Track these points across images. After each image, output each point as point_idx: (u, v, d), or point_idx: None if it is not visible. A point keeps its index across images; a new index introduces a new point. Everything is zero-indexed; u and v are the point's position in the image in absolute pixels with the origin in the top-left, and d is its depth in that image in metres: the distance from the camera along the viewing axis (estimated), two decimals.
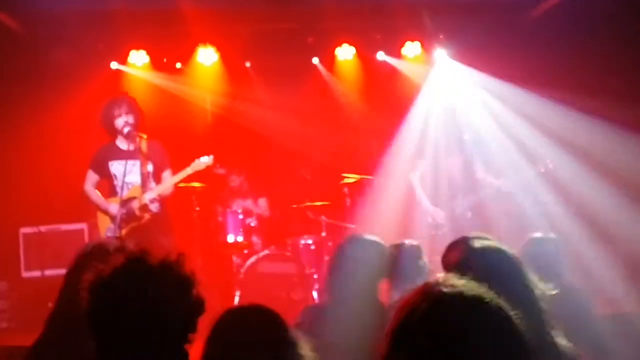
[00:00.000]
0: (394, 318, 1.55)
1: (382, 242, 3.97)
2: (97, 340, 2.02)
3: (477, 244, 2.64)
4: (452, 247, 2.73)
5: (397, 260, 3.95)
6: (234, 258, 8.08)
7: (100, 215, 6.84)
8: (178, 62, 9.62)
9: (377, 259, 3.82)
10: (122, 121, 6.61)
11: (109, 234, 6.65)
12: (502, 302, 1.54)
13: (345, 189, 8.35)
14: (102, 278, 2.04)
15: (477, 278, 2.42)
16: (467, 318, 1.47)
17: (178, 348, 2.05)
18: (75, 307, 2.20)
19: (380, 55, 9.69)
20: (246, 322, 2.40)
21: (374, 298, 3.80)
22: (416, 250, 4.15)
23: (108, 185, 6.81)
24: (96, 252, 3.10)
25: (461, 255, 2.61)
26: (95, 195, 6.82)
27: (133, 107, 6.73)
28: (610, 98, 8.24)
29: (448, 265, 2.64)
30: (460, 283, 1.56)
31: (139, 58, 9.41)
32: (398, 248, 4.10)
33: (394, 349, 1.51)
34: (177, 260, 2.10)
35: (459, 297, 1.52)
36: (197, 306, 2.09)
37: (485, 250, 2.61)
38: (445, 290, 1.54)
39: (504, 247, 2.68)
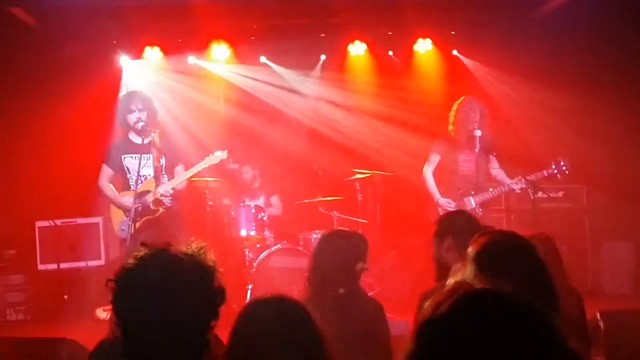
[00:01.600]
0: (417, 318, 1.58)
1: (360, 234, 4.21)
2: (122, 330, 2.07)
3: (500, 237, 2.70)
4: (481, 234, 2.75)
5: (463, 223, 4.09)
6: (247, 252, 8.13)
7: (113, 208, 6.91)
8: (191, 57, 9.66)
9: (354, 251, 3.99)
10: (135, 117, 6.67)
11: (123, 227, 6.73)
12: (529, 301, 1.54)
13: (357, 184, 8.40)
14: (126, 269, 2.10)
15: (499, 272, 2.47)
16: (490, 317, 1.49)
17: (201, 336, 2.10)
18: None
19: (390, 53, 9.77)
20: (271, 314, 2.42)
21: (356, 288, 3.97)
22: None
23: (121, 179, 6.89)
24: None
25: (483, 249, 2.63)
26: (109, 189, 6.89)
27: (147, 103, 6.78)
28: (616, 96, 8.29)
29: (473, 255, 2.65)
30: (481, 281, 1.59)
31: (153, 54, 9.48)
32: (462, 214, 4.37)
33: (418, 350, 1.52)
34: (199, 250, 2.15)
35: (482, 297, 1.56)
36: (219, 295, 2.15)
37: (508, 244, 2.66)
38: (468, 290, 1.57)
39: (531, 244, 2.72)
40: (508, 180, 7.13)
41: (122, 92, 7.27)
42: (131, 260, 2.11)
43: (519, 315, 1.50)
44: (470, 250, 2.65)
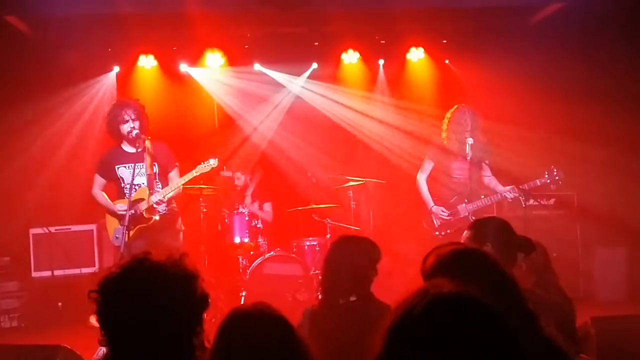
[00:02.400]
0: (391, 317, 1.62)
1: (371, 240, 4.10)
2: (108, 338, 2.10)
3: (456, 248, 2.70)
4: (429, 254, 2.74)
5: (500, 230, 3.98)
6: (240, 259, 8.16)
7: (108, 217, 6.92)
8: (185, 65, 9.70)
9: (363, 256, 3.94)
10: (129, 127, 6.67)
11: (117, 235, 6.74)
12: (494, 304, 1.59)
13: (350, 192, 8.45)
14: (110, 278, 2.13)
15: (461, 280, 2.50)
16: (463, 317, 1.53)
17: (187, 342, 2.13)
18: None
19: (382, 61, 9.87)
20: (252, 326, 2.45)
21: (368, 295, 3.92)
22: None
23: (115, 188, 6.89)
24: None
25: (436, 262, 2.62)
26: (103, 197, 6.90)
27: (139, 112, 6.77)
28: (609, 103, 8.35)
29: (425, 272, 2.65)
30: (454, 285, 1.63)
31: (147, 62, 9.52)
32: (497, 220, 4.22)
33: (390, 347, 1.57)
34: (180, 258, 2.19)
35: (455, 297, 1.59)
36: (202, 301, 2.18)
37: (465, 253, 2.66)
38: (441, 290, 1.61)
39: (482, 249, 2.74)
40: (501, 188, 7.15)
41: (113, 101, 7.23)
42: (113, 270, 2.14)
43: (488, 315, 1.56)
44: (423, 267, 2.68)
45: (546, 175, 7.00)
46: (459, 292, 1.60)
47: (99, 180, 6.93)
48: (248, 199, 8.64)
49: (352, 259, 3.90)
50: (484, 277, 2.41)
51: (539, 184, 7.02)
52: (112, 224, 6.87)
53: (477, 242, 3.80)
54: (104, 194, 6.92)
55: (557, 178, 6.98)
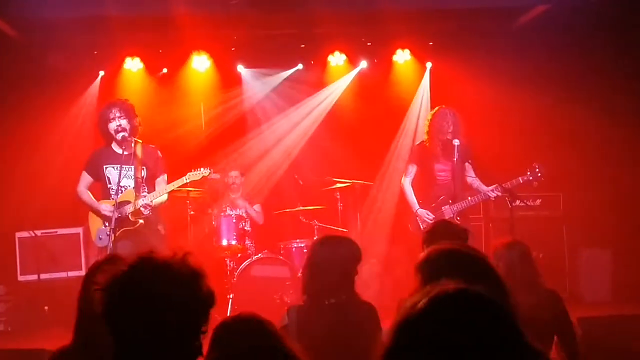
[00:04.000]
0: (397, 316, 1.61)
1: (352, 240, 4.12)
2: (115, 338, 2.08)
3: (443, 247, 2.73)
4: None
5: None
6: (228, 261, 8.16)
7: (91, 216, 6.83)
8: (172, 68, 9.70)
9: (348, 256, 3.94)
10: (115, 125, 6.64)
11: (100, 236, 6.70)
12: (499, 301, 1.60)
13: (337, 194, 8.46)
14: (115, 277, 2.11)
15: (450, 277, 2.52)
16: (468, 313, 1.54)
17: (193, 340, 2.12)
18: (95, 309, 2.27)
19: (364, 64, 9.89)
20: (239, 337, 2.48)
21: (353, 294, 3.93)
22: None
23: (101, 188, 6.84)
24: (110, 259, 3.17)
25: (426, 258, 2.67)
26: (88, 196, 6.83)
27: (128, 112, 6.73)
28: (595, 104, 8.42)
29: (418, 264, 2.70)
30: (458, 284, 1.63)
31: (133, 65, 9.50)
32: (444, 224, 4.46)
33: (396, 346, 1.56)
34: (184, 257, 2.18)
35: (459, 293, 1.59)
36: (208, 298, 2.17)
37: (452, 253, 2.70)
38: (445, 288, 1.61)
39: (470, 249, 2.77)
40: (484, 188, 7.19)
41: (104, 103, 7.21)
42: (119, 270, 2.12)
43: (492, 312, 1.56)
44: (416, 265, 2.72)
45: (528, 173, 7.04)
46: (463, 288, 1.61)
47: (86, 178, 6.87)
48: (240, 201, 8.62)
49: (339, 258, 3.89)
50: (475, 275, 2.45)
51: (521, 181, 7.05)
52: (95, 224, 6.79)
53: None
54: (89, 193, 6.86)
55: (539, 174, 7.01)
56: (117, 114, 6.66)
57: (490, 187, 7.13)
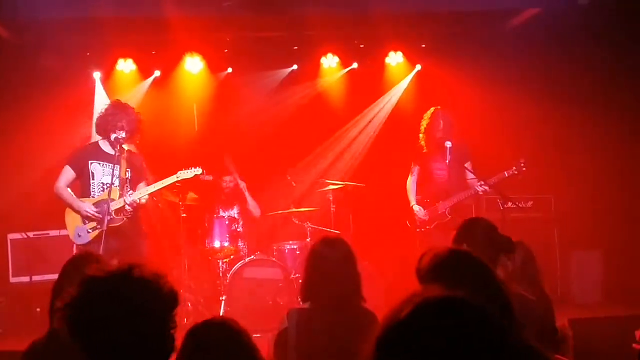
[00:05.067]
0: (381, 323, 1.60)
1: (338, 240, 4.10)
2: (87, 354, 2.08)
3: (447, 250, 2.74)
4: (422, 255, 2.79)
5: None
6: (220, 263, 8.16)
7: (68, 213, 6.74)
8: (165, 70, 9.69)
9: (353, 259, 3.92)
10: (120, 136, 6.61)
11: (79, 234, 6.64)
12: (485, 306, 1.59)
13: (330, 195, 8.47)
14: (72, 300, 2.11)
15: (450, 282, 2.54)
16: (451, 319, 1.53)
17: (161, 345, 2.13)
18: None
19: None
20: (207, 343, 2.49)
21: (357, 297, 3.90)
22: None
23: (81, 185, 6.77)
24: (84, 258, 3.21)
25: (432, 262, 2.67)
26: (68, 193, 6.73)
27: (135, 125, 6.72)
28: (586, 107, 8.45)
29: (420, 271, 2.70)
30: (442, 291, 1.62)
31: (126, 66, 9.49)
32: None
33: (379, 354, 1.55)
34: (141, 264, 2.17)
35: (442, 300, 1.58)
36: (170, 300, 2.16)
37: (455, 255, 2.70)
38: (428, 295, 1.60)
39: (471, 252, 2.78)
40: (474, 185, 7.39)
41: (106, 103, 7.15)
42: (74, 291, 2.11)
43: (476, 319, 1.55)
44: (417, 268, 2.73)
45: (514, 168, 7.17)
46: (447, 295, 1.60)
47: (68, 173, 6.76)
48: (243, 184, 8.65)
49: (334, 263, 3.86)
50: (476, 279, 2.47)
51: (506, 175, 7.20)
52: (73, 221, 6.71)
53: (459, 242, 3.87)
54: (69, 190, 6.76)
55: (523, 168, 7.14)
56: (126, 127, 6.64)
57: (477, 183, 7.31)
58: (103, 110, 6.83)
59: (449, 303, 1.58)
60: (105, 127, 6.72)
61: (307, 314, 3.83)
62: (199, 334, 2.55)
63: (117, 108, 6.79)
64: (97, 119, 6.82)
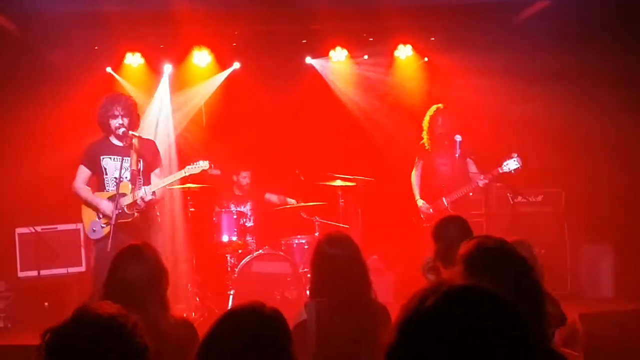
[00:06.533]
0: (402, 310, 1.59)
1: (344, 236, 4.11)
2: None
3: (490, 242, 2.75)
4: (466, 243, 2.82)
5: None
6: (229, 258, 8.15)
7: (84, 209, 6.74)
8: (173, 64, 9.68)
9: (347, 256, 3.92)
10: (117, 123, 6.61)
11: (94, 229, 6.63)
12: (510, 300, 1.56)
13: (339, 190, 8.44)
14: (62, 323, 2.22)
15: (487, 274, 2.53)
16: (476, 309, 1.51)
17: None
18: None
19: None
20: (241, 328, 2.38)
21: (368, 293, 3.92)
22: None
23: (96, 180, 6.77)
24: None
25: (472, 252, 2.70)
26: (86, 190, 6.73)
27: (131, 110, 6.71)
28: (595, 100, 8.39)
29: (461, 257, 2.74)
30: (467, 280, 1.62)
31: (134, 60, 9.48)
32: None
33: (401, 342, 1.53)
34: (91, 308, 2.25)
35: (467, 290, 1.56)
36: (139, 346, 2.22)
37: (496, 249, 2.70)
38: (454, 284, 1.58)
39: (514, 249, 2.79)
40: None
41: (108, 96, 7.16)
42: (48, 338, 2.20)
43: (503, 311, 1.53)
44: (461, 253, 2.73)
45: (506, 162, 7.20)
46: (472, 285, 1.58)
47: (84, 172, 6.77)
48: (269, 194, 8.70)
49: (341, 260, 3.86)
50: (515, 274, 2.47)
51: (500, 171, 7.21)
52: (89, 216, 6.71)
53: (435, 241, 4.16)
54: (88, 188, 6.76)
55: (518, 165, 7.16)
56: (121, 112, 6.62)
57: (479, 177, 7.38)
58: (99, 105, 6.84)
59: (471, 292, 1.56)
60: (102, 121, 6.72)
61: (325, 306, 3.81)
62: (231, 318, 2.47)
63: (107, 99, 6.79)
64: (97, 115, 6.82)
